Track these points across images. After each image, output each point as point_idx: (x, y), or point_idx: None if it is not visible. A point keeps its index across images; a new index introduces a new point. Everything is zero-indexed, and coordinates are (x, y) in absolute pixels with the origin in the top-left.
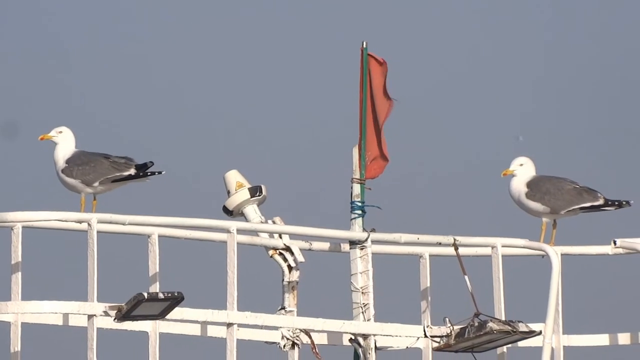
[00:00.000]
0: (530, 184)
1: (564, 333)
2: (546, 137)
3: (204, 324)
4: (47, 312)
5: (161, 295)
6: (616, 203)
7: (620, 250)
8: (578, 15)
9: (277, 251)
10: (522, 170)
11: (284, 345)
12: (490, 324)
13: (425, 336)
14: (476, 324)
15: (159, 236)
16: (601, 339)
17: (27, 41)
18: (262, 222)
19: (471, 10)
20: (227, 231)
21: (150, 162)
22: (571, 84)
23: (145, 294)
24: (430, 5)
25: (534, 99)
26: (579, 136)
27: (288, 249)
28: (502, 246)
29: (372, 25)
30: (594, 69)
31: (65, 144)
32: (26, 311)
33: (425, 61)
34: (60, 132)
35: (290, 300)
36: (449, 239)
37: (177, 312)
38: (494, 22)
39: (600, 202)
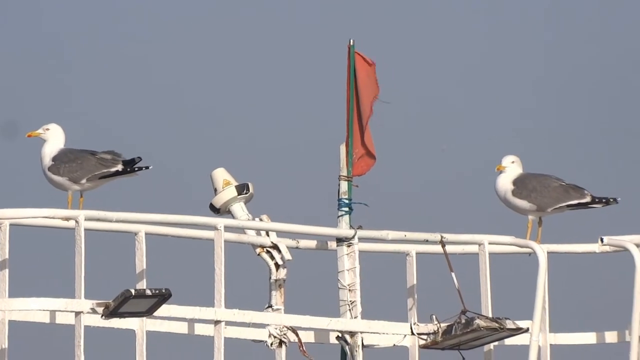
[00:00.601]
0: (516, 182)
1: (550, 331)
2: (546, 136)
3: (191, 322)
4: (35, 309)
5: (149, 292)
6: (603, 200)
7: (607, 248)
8: (578, 15)
9: (265, 249)
10: (512, 168)
11: (272, 344)
12: (478, 321)
13: (413, 334)
14: (463, 321)
15: (146, 234)
16: (588, 337)
17: (27, 41)
18: (249, 220)
19: (471, 10)
20: (215, 228)
21: (138, 157)
22: (571, 83)
23: (133, 291)
24: (430, 5)
25: (533, 98)
26: (578, 136)
27: (275, 246)
28: (489, 243)
29: (371, 25)
30: (594, 68)
31: (53, 140)
32: (13, 308)
33: (424, 61)
34: (48, 129)
35: (277, 298)
36: (436, 236)
37: (165, 309)
38: (494, 22)
39: (587, 199)
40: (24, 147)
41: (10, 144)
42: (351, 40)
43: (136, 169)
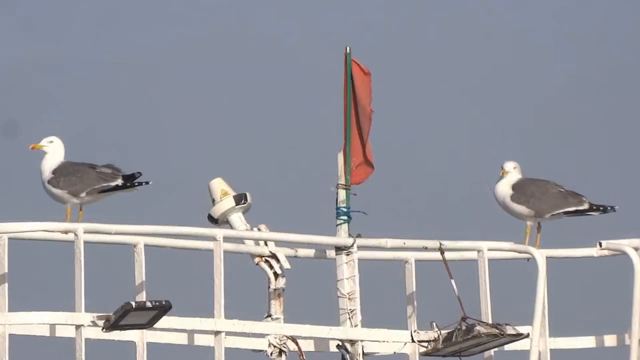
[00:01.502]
0: (515, 187)
1: (550, 336)
2: (547, 141)
3: (191, 333)
4: (35, 323)
5: (149, 304)
6: (601, 208)
7: (606, 252)
8: (580, 18)
9: (263, 258)
10: (512, 173)
11: (271, 353)
12: (478, 328)
13: (413, 341)
14: (463, 327)
15: (145, 246)
16: (587, 341)
17: (26, 41)
18: (247, 230)
19: (470, 25)
20: (214, 239)
21: (138, 172)
22: (571, 87)
23: (133, 303)
24: (430, 10)
25: (533, 101)
26: (578, 141)
27: (274, 256)
28: (488, 250)
29: (370, 33)
30: (595, 72)
31: (53, 154)
32: (13, 322)
33: (423, 69)
34: (51, 141)
35: (276, 308)
36: (435, 244)
37: (165, 321)
38: (494, 25)
39: (585, 206)
40: (22, 157)
41: (9, 155)
42: (347, 48)
43: (136, 184)
